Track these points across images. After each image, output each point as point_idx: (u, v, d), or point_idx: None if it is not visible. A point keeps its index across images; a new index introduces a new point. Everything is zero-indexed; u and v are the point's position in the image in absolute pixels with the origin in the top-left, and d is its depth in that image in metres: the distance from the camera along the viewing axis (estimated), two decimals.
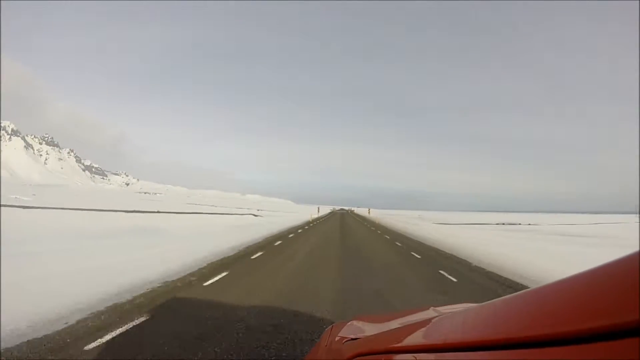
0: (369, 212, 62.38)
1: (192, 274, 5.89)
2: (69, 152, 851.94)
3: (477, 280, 6.49)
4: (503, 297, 0.51)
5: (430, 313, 1.09)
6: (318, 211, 51.44)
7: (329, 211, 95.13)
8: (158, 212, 28.18)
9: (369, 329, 1.10)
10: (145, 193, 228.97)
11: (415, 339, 0.67)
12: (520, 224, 46.27)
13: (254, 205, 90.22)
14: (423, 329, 0.68)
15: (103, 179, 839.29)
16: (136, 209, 29.31)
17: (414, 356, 0.59)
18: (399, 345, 0.68)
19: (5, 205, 19.89)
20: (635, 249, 0.47)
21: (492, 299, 0.53)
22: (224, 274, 6.06)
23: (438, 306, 1.22)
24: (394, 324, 1.05)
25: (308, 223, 25.13)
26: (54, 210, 22.49)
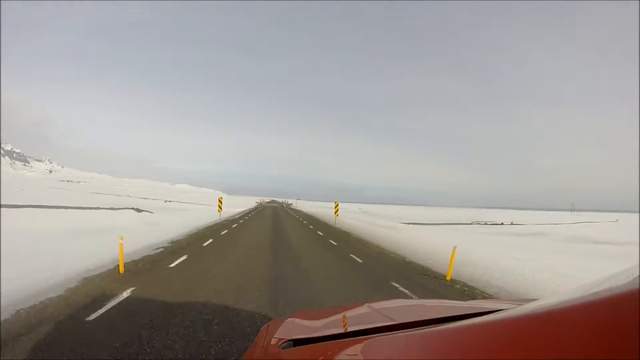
0: (336, 213, 22.18)
1: None
2: None
3: None
4: (458, 324, 0.40)
5: (364, 309, 1.13)
6: (219, 206, 22.54)
7: (255, 205, 63.80)
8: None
9: (306, 328, 1.06)
10: (68, 181, 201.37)
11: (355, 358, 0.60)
12: (502, 223, 41.60)
13: (180, 196, 77.20)
14: (361, 345, 0.61)
15: (24, 165, 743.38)
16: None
17: None
18: None
19: None
20: None
21: None
22: None
23: (372, 302, 1.21)
24: (331, 321, 1.06)
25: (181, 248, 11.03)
26: None
